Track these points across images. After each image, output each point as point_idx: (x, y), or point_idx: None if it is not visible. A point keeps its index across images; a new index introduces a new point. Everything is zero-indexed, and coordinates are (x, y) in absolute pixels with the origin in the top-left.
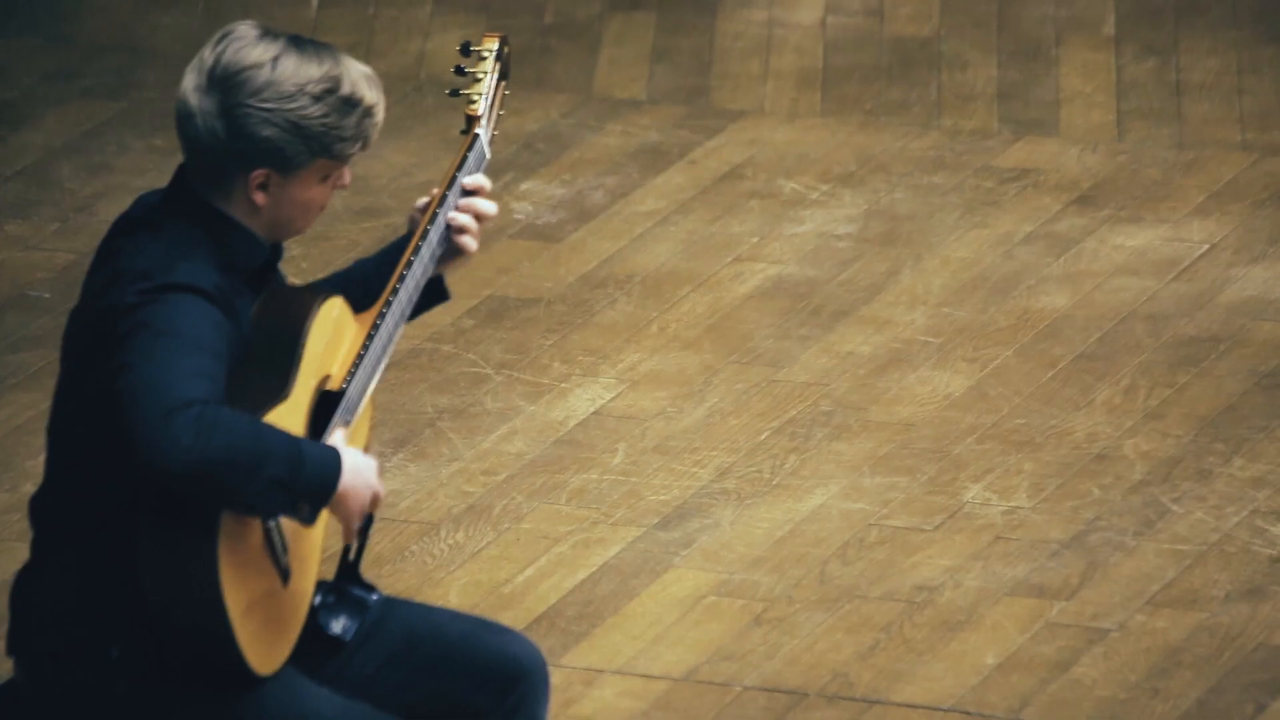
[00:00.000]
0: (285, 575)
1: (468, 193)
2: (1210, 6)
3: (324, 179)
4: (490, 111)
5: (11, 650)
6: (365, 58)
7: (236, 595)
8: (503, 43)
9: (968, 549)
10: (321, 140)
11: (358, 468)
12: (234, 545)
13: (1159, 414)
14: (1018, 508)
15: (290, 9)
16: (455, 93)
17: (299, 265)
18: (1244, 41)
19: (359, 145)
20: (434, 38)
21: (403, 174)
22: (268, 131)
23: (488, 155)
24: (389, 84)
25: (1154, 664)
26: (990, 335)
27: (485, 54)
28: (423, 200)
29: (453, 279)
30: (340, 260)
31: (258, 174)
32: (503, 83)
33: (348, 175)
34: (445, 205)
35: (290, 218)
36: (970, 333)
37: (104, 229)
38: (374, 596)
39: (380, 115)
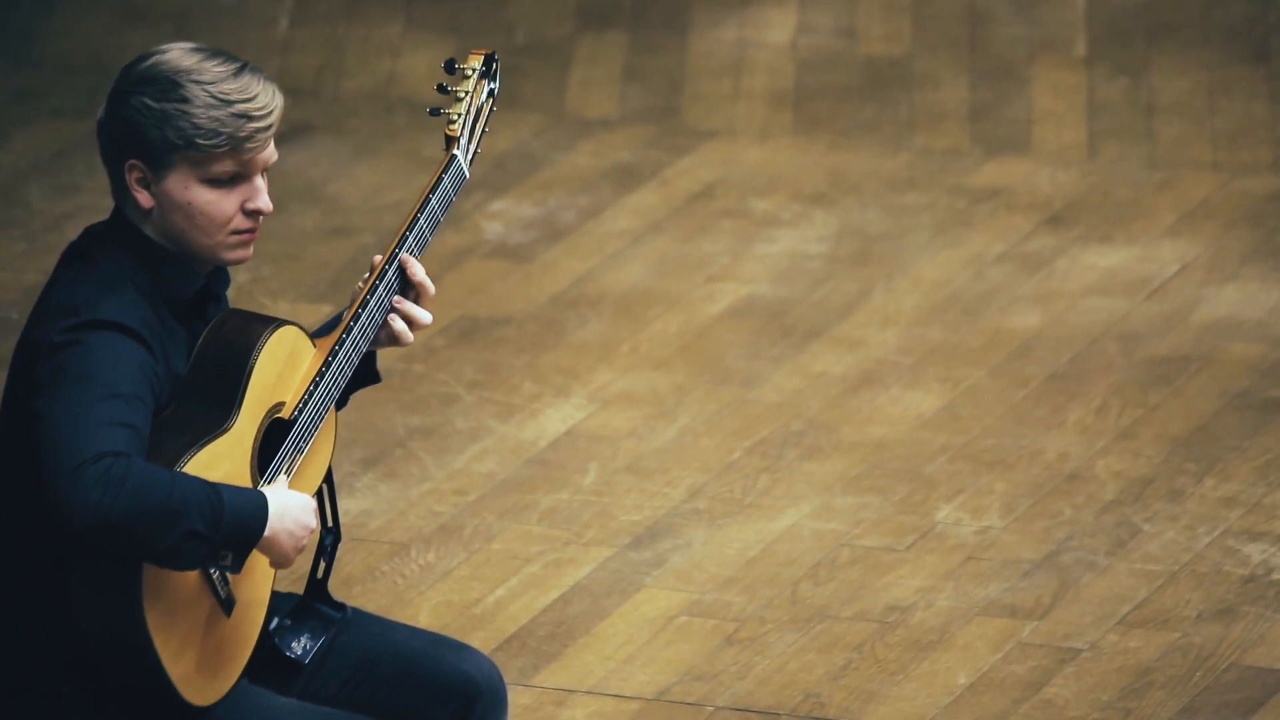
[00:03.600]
0: (228, 605)
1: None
2: (1181, 27)
3: (208, 184)
4: (473, 130)
5: None
6: (336, 77)
7: (167, 633)
8: (489, 60)
9: (939, 569)
10: (177, 126)
11: (287, 511)
12: (163, 582)
13: (1131, 434)
14: (989, 527)
15: (260, 29)
16: (436, 111)
17: (269, 285)
18: (1215, 62)
19: (221, 144)
20: (404, 57)
21: (373, 193)
22: (127, 113)
23: (467, 175)
24: (359, 103)
25: (1126, 684)
26: (962, 355)
27: (469, 71)
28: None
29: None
30: (310, 280)
31: (130, 165)
32: (489, 100)
33: (261, 196)
34: (414, 229)
35: (181, 229)
36: (942, 353)
37: None
38: (339, 615)
39: (261, 122)
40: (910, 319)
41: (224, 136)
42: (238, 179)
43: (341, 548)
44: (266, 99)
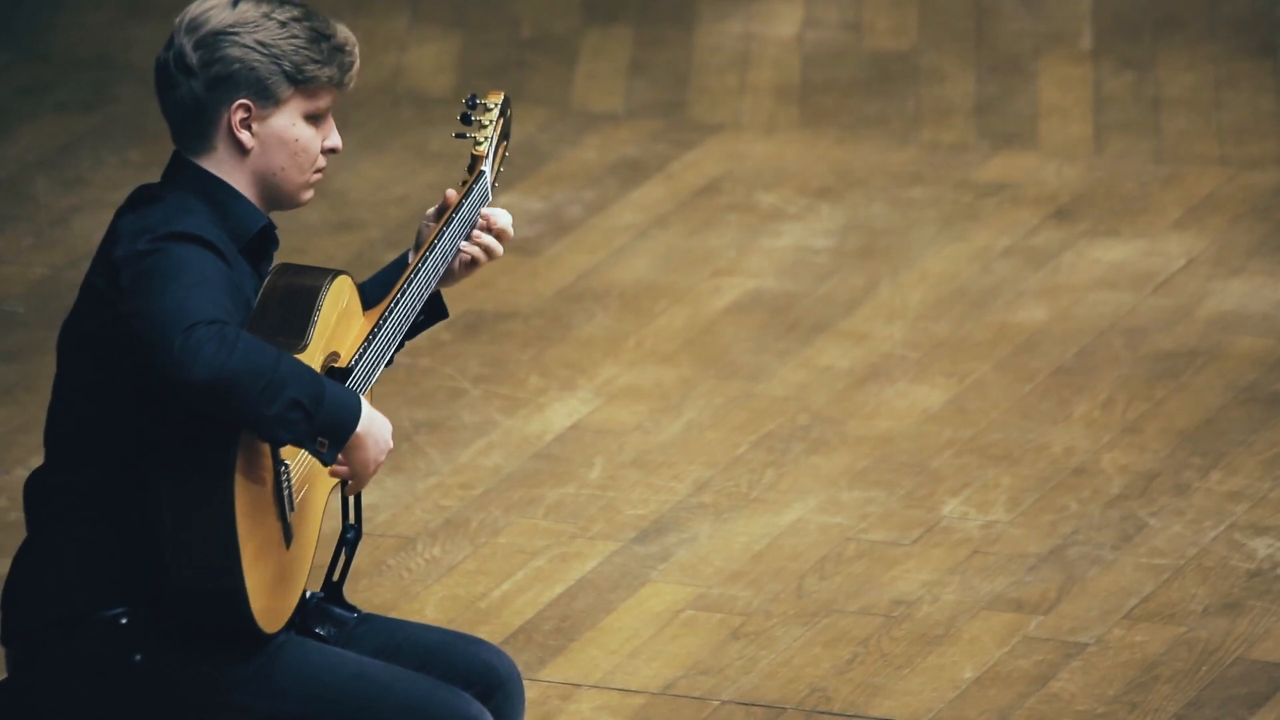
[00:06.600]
0: (288, 535)
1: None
2: (1188, 21)
3: (308, 120)
4: (493, 159)
5: (6, 639)
6: None
7: (249, 536)
8: (506, 102)
9: (945, 563)
10: (293, 60)
11: (375, 417)
12: (248, 487)
13: (1137, 428)
14: (995, 521)
15: None
16: (461, 135)
17: None
18: (1221, 56)
19: (333, 73)
20: (410, 51)
21: (379, 188)
22: (238, 53)
23: (490, 199)
24: (365, 96)
25: (1132, 678)
26: (968, 349)
27: (490, 105)
28: (432, 210)
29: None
30: None
31: (238, 106)
32: (504, 143)
33: (335, 134)
34: (459, 214)
35: (280, 165)
36: (948, 346)
37: (79, 243)
38: (353, 615)
39: (354, 55)
40: (916, 313)
41: (336, 72)
42: (320, 118)
43: None
44: (347, 36)
